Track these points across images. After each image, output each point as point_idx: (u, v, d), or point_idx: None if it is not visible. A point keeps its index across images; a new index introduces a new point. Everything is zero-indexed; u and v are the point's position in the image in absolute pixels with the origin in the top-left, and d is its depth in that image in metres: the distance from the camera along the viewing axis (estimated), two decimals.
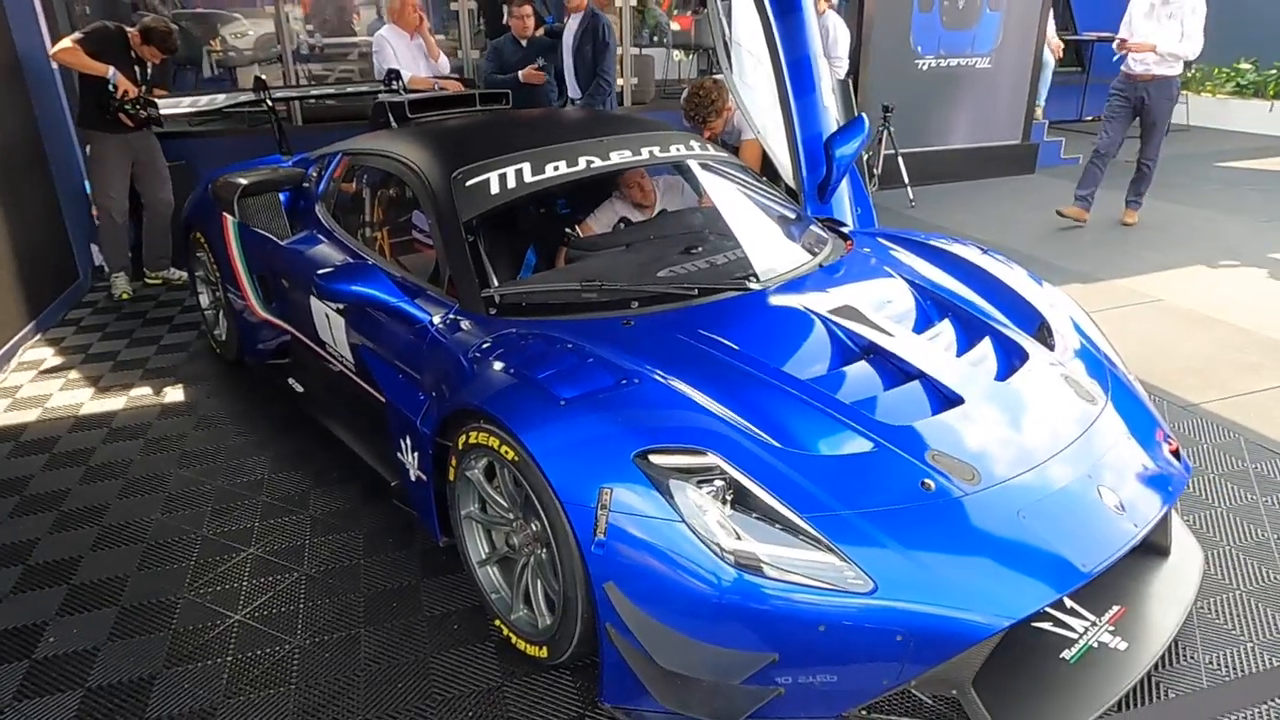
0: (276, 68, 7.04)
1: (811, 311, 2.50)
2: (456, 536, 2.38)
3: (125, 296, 5.08)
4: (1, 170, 4.33)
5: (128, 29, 4.76)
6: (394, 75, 4.93)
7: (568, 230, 3.27)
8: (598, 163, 2.86)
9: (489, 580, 2.32)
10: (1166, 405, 3.49)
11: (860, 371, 2.29)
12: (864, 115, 3.59)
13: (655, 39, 9.45)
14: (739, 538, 1.80)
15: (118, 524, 2.88)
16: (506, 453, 2.03)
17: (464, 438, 2.19)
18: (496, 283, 2.59)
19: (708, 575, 1.77)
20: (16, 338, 4.30)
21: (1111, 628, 2.08)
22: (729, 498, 1.86)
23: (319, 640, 2.32)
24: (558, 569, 1.98)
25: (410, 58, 5.27)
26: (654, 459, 1.88)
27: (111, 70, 4.56)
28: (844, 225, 3.37)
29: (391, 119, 3.54)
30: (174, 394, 3.86)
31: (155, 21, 4.81)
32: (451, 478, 2.31)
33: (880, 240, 3.15)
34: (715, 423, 2.00)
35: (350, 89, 5.67)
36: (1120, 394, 2.40)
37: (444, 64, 5.59)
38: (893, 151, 6.80)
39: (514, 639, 2.22)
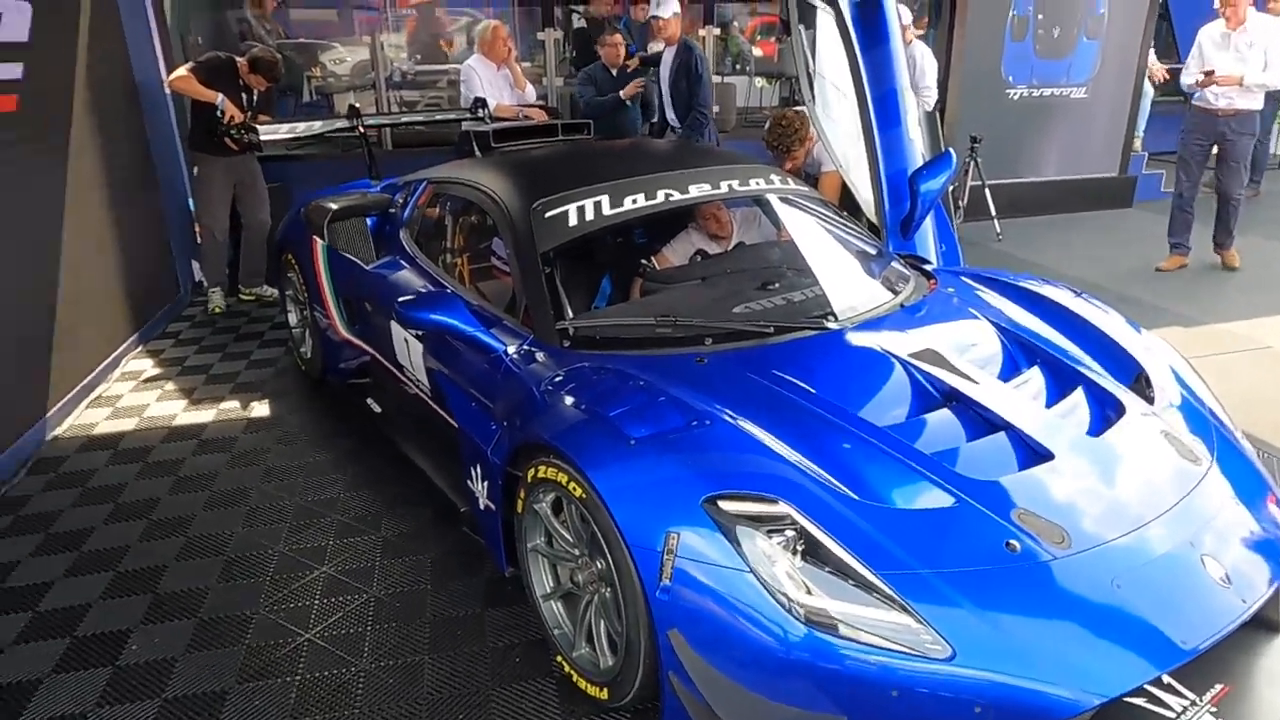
0: (370, 94, 7.33)
1: (891, 354, 2.42)
2: (522, 569, 2.38)
3: (218, 311, 5.32)
4: (118, 191, 4.61)
5: (237, 59, 5.03)
6: (480, 103, 5.06)
7: (644, 261, 3.27)
8: (676, 196, 2.86)
9: (552, 615, 2.31)
10: (1276, 463, 3.25)
11: (942, 420, 2.20)
12: (951, 150, 3.48)
13: (737, 66, 9.45)
14: (810, 592, 1.73)
15: (202, 535, 2.98)
16: (574, 489, 2.02)
17: (533, 471, 2.19)
18: (571, 314, 2.60)
19: (774, 628, 1.71)
20: (121, 348, 4.54)
21: (1214, 708, 1.91)
22: (800, 549, 1.80)
23: (384, 665, 2.35)
24: (621, 610, 1.95)
25: (496, 87, 5.40)
26: (723, 505, 1.83)
27: (220, 97, 4.81)
28: (927, 263, 3.28)
29: (476, 147, 3.62)
30: (260, 409, 4.00)
31: (263, 52, 5.07)
32: (519, 509, 2.31)
33: (965, 280, 3.04)
34: (787, 469, 1.95)
35: (438, 116, 5.85)
36: (1226, 453, 2.24)
37: (530, 92, 5.70)
38: (980, 183, 6.60)
39: (575, 677, 2.19)
